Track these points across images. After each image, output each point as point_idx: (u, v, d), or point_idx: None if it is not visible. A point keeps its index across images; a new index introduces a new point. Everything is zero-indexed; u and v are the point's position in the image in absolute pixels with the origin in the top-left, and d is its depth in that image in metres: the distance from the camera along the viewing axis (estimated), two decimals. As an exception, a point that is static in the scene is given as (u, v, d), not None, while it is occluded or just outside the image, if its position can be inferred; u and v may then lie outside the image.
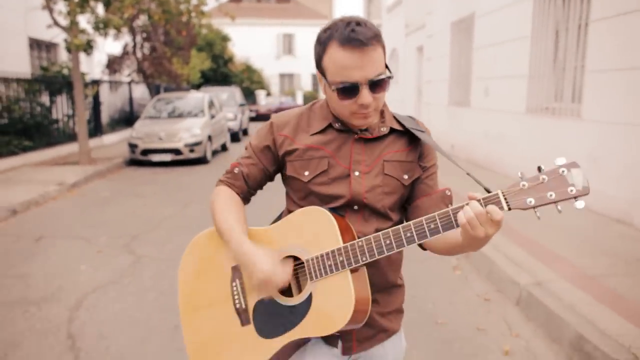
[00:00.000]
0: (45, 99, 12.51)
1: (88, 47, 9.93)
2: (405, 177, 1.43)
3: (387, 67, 1.34)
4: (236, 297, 1.45)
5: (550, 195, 1.13)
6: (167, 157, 11.12)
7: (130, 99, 18.06)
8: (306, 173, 1.42)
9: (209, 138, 11.86)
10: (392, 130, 1.44)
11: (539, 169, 1.15)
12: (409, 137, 1.45)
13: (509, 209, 1.16)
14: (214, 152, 13.00)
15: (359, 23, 1.29)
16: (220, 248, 1.47)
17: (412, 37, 15.20)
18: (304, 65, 38.32)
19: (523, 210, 1.16)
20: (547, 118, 7.11)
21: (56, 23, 10.24)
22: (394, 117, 1.47)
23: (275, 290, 1.35)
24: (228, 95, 17.99)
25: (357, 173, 1.39)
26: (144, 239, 5.63)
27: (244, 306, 1.44)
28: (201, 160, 11.54)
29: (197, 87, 24.40)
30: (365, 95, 1.30)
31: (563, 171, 1.13)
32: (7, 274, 4.61)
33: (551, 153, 6.80)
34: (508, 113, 8.28)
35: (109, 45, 17.14)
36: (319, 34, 1.36)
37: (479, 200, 1.18)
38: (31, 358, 3.13)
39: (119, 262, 4.89)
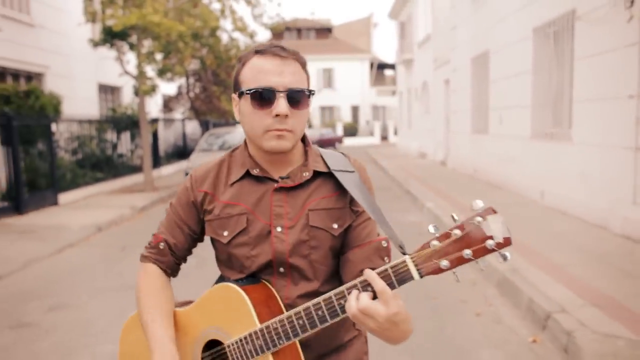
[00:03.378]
0: (112, 136, 14.31)
1: (152, 91, 11.61)
2: (335, 226, 1.26)
3: (309, 91, 1.24)
4: None
5: (467, 254, 0.97)
6: (219, 185, 12.57)
7: (184, 134, 19.90)
8: (225, 233, 1.28)
9: (255, 167, 13.27)
10: (318, 174, 1.29)
11: (453, 217, 1.02)
12: (337, 180, 1.27)
13: (421, 276, 1.02)
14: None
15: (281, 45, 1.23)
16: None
17: (439, 71, 16.39)
18: (343, 98, 39.98)
19: (436, 275, 1.01)
20: (547, 142, 8.14)
21: (126, 72, 12.00)
22: (321, 157, 1.32)
23: None
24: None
25: (279, 229, 1.24)
26: (204, 245, 6.93)
27: None
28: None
29: (243, 121, 26.20)
30: (282, 104, 1.18)
31: (479, 221, 0.96)
32: (110, 269, 6.00)
33: (552, 172, 7.80)
34: (517, 138, 9.31)
35: (164, 87, 19.13)
36: (239, 56, 1.30)
37: (386, 270, 1.04)
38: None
39: (189, 262, 6.19)
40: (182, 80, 17.71)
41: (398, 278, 1.03)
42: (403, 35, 24.64)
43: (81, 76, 14.69)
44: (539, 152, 8.37)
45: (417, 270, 1.02)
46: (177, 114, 19.35)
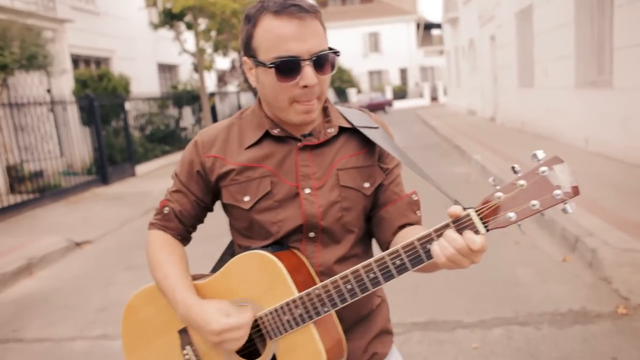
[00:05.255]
0: (173, 111, 15.37)
1: (211, 67, 12.47)
2: (366, 185, 1.21)
3: (335, 52, 1.14)
4: None
5: (534, 205, 0.92)
6: (276, 151, 13.42)
7: (239, 106, 20.86)
8: (246, 198, 1.19)
9: (309, 133, 14.02)
10: (342, 130, 1.22)
11: (514, 169, 0.94)
12: (363, 136, 1.22)
13: (487, 230, 0.97)
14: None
15: None
16: (161, 309, 1.27)
17: (485, 28, 16.41)
18: (391, 61, 39.87)
19: (503, 228, 0.96)
20: (590, 90, 8.39)
21: (185, 50, 12.89)
22: (341, 115, 1.26)
23: (242, 340, 1.12)
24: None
25: (307, 190, 1.17)
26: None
27: None
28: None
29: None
30: (309, 74, 1.08)
31: (544, 171, 0.90)
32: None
33: (595, 119, 8.09)
34: (561, 89, 9.55)
35: (218, 62, 20.04)
36: (246, 12, 1.16)
37: (448, 225, 0.98)
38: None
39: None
40: (234, 55, 18.53)
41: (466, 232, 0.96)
42: (448, -7, 24.40)
43: (142, 57, 15.76)
44: (582, 101, 8.64)
45: (483, 223, 0.96)
46: (231, 87, 20.27)
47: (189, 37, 13.44)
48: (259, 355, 1.20)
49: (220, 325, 1.10)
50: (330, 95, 20.76)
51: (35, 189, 8.69)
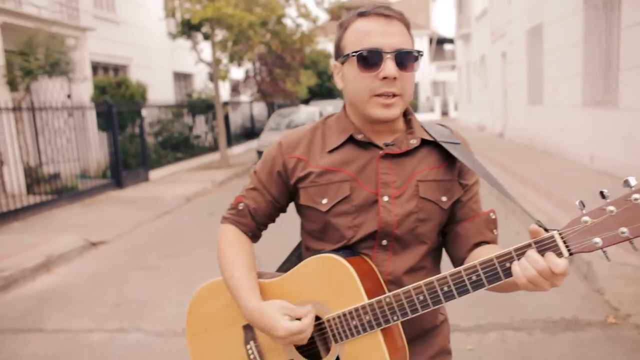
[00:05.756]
0: (188, 119, 15.68)
1: (226, 77, 12.77)
2: (444, 199, 1.21)
3: (418, 52, 1.17)
4: None
5: (623, 233, 0.88)
6: (287, 161, 13.65)
7: (251, 116, 21.16)
8: (324, 201, 1.21)
9: (320, 144, 14.26)
10: (423, 143, 1.23)
11: (602, 194, 0.91)
12: (443, 151, 1.23)
13: (570, 254, 0.93)
14: (324, 156, 15.41)
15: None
16: (227, 303, 1.32)
17: (496, 44, 16.61)
18: (402, 75, 40.10)
19: (587, 253, 0.95)
20: (596, 109, 8.55)
21: (201, 60, 13.21)
22: (423, 128, 1.27)
23: (305, 340, 1.15)
24: (333, 108, 20.43)
25: (386, 198, 1.18)
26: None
27: None
28: (314, 162, 13.95)
29: (306, 101, 27.21)
30: (390, 66, 1.11)
31: (636, 198, 0.86)
32: (203, 229, 7.17)
33: (600, 137, 8.24)
34: (569, 107, 9.71)
35: (233, 72, 20.39)
36: (340, 21, 1.23)
37: (530, 245, 0.96)
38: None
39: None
40: (249, 65, 18.86)
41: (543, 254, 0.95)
42: (461, 10, 24.67)
43: (159, 65, 16.15)
44: (588, 119, 8.79)
45: (567, 247, 0.94)
46: (244, 97, 20.59)
47: (205, 47, 13.78)
48: (319, 356, 1.22)
49: (285, 331, 1.13)
50: (342, 107, 20.92)
51: (52, 191, 8.98)
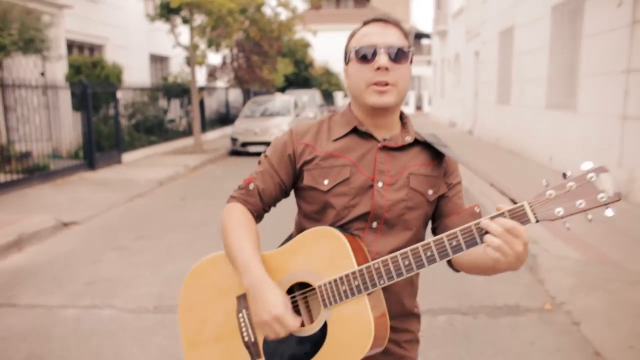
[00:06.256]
0: (162, 103, 15.64)
1: (203, 62, 12.82)
2: (430, 192, 1.38)
3: (411, 59, 1.35)
4: (244, 329, 1.36)
5: (580, 204, 1.06)
6: (261, 149, 13.81)
7: (227, 102, 21.18)
8: (325, 182, 1.35)
9: (294, 133, 14.43)
10: (416, 142, 1.40)
11: (564, 175, 1.08)
12: (432, 152, 1.40)
13: (537, 220, 1.10)
14: (297, 145, 15.60)
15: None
16: (224, 275, 1.40)
17: (471, 43, 17.02)
18: (379, 67, 40.40)
19: (551, 222, 1.10)
20: (557, 112, 8.98)
21: (179, 44, 13.22)
22: (417, 132, 1.43)
23: (280, 335, 1.25)
24: (309, 97, 20.61)
25: (380, 184, 1.33)
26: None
27: (252, 339, 1.35)
28: (287, 151, 14.13)
29: (282, 90, 27.29)
30: (382, 58, 1.29)
31: (591, 177, 1.05)
32: (175, 213, 7.33)
33: (559, 139, 8.67)
34: (533, 108, 10.14)
35: (210, 58, 20.34)
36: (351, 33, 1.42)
37: (503, 214, 1.12)
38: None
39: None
40: (226, 51, 18.85)
41: (515, 220, 1.10)
42: (439, 6, 25.05)
43: (135, 47, 16.02)
44: (550, 121, 9.22)
45: (534, 214, 1.10)
46: (220, 83, 20.59)
47: (183, 31, 13.77)
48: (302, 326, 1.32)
49: (279, 312, 1.22)
50: (317, 97, 21.20)
51: (23, 170, 8.97)
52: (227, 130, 18.85)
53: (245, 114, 15.43)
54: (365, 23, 1.38)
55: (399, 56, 1.31)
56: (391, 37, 1.32)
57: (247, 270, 1.29)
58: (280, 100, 15.98)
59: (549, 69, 9.40)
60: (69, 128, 10.95)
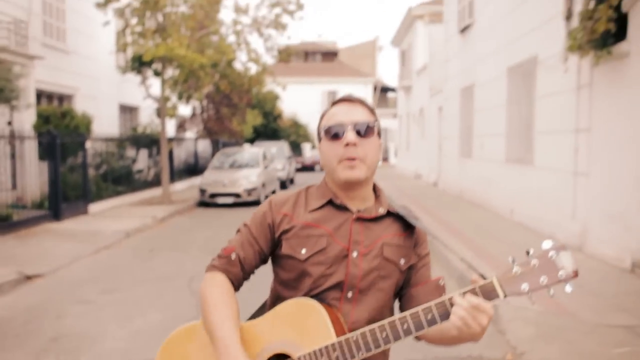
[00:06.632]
0: (131, 152, 15.62)
1: (174, 114, 12.99)
2: (402, 261, 1.44)
3: (378, 132, 1.46)
4: None
5: (543, 281, 1.16)
6: (230, 200, 13.87)
7: (195, 152, 21.27)
8: (303, 251, 1.40)
9: (263, 185, 14.59)
10: (389, 214, 1.47)
11: (528, 252, 1.18)
12: (404, 223, 1.47)
13: (505, 296, 1.19)
14: (266, 196, 15.65)
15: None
16: (201, 348, 1.40)
17: (434, 99, 17.76)
18: (346, 119, 41.40)
19: (517, 297, 1.18)
20: (516, 166, 9.42)
21: (150, 95, 13.39)
22: (390, 204, 1.50)
23: None
24: (277, 149, 20.89)
25: (355, 254, 1.39)
26: (219, 248, 8.21)
27: None
28: (256, 203, 14.14)
29: (250, 141, 27.59)
30: (350, 134, 1.39)
31: (552, 255, 1.15)
32: (142, 265, 7.27)
33: (519, 192, 9.06)
34: (494, 162, 10.61)
35: (180, 109, 20.55)
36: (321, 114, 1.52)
37: (474, 289, 1.21)
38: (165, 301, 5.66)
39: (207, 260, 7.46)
40: (196, 102, 19.12)
41: (485, 296, 1.20)
42: (404, 63, 26.12)
43: (105, 97, 16.13)
44: (510, 175, 9.65)
45: (502, 290, 1.19)
46: (190, 134, 20.74)
47: (154, 83, 13.99)
48: None
49: None
50: (286, 148, 21.50)
51: (-16, 220, 8.78)
52: (196, 181, 18.84)
53: (214, 165, 15.53)
54: (334, 103, 1.50)
55: (365, 131, 1.42)
56: (357, 115, 1.43)
57: (226, 350, 1.31)
58: (249, 152, 16.18)
59: (507, 125, 9.91)
60: (34, 177, 10.82)
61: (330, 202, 1.46)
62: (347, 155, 1.39)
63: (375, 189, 1.53)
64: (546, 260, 1.16)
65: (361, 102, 1.48)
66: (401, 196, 14.07)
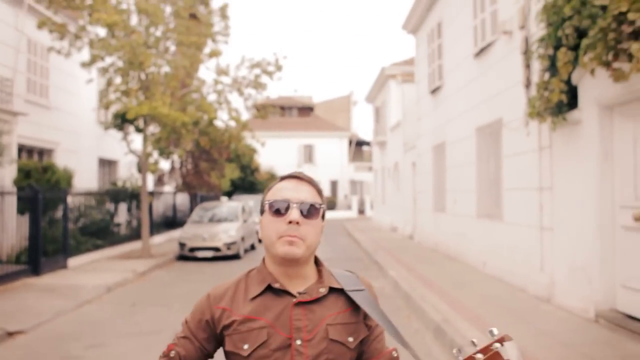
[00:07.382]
0: (110, 206, 15.69)
1: (155, 170, 13.26)
2: (351, 339, 1.41)
3: (323, 215, 1.45)
4: None
5: None
6: (209, 254, 13.98)
7: (174, 206, 21.38)
8: (245, 347, 1.37)
9: (242, 238, 14.76)
10: (332, 290, 1.44)
11: (473, 342, 1.15)
12: (349, 297, 1.44)
13: None
14: (246, 250, 15.78)
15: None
16: None
17: (408, 154, 18.45)
18: (323, 173, 41.99)
19: None
20: (487, 221, 9.91)
21: (131, 151, 13.68)
22: (332, 276, 1.47)
23: None
24: (255, 202, 21.13)
25: (298, 342, 1.36)
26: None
27: None
28: (236, 256, 14.33)
29: (228, 194, 27.84)
30: (295, 213, 1.37)
31: (497, 346, 1.11)
32: (126, 320, 7.34)
33: (490, 246, 9.49)
34: (466, 217, 11.08)
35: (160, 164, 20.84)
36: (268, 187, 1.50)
37: None
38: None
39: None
40: (175, 157, 19.44)
41: None
42: (378, 119, 27.05)
43: (85, 151, 16.33)
44: (481, 230, 10.11)
45: None
46: (168, 187, 20.92)
47: (136, 138, 14.30)
48: None
49: None
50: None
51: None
52: (174, 234, 18.87)
53: (194, 219, 15.69)
54: (282, 178, 1.50)
55: (310, 212, 1.41)
56: (304, 194, 1.43)
57: None
58: (228, 206, 16.42)
59: (477, 182, 10.46)
60: (11, 232, 10.83)
61: (269, 288, 1.44)
62: (288, 233, 1.39)
63: (318, 263, 1.52)
64: (491, 354, 1.12)
65: (310, 182, 1.49)
66: (377, 249, 14.39)
